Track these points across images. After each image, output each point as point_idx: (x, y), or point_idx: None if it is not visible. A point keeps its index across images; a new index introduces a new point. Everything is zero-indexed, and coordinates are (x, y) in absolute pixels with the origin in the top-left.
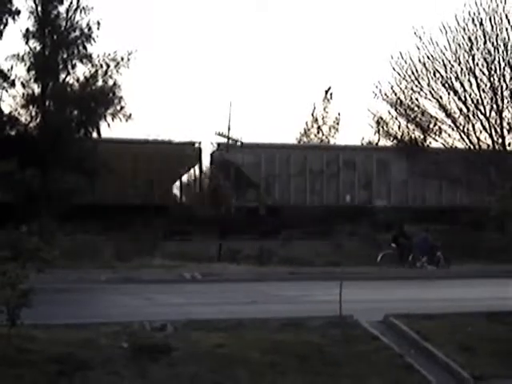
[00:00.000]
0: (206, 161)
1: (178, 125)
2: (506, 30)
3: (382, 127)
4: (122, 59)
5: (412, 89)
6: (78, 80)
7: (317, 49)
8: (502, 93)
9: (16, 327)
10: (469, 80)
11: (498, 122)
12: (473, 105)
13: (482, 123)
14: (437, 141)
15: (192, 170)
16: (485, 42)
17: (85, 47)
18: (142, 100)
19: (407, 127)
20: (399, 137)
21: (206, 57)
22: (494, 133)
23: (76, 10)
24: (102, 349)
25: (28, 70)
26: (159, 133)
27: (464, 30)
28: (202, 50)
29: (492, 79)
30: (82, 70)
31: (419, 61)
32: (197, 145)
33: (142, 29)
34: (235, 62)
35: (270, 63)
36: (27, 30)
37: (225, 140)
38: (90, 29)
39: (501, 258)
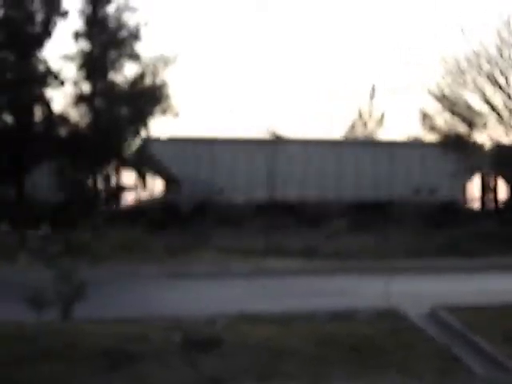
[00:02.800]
0: None
1: (225, 122)
2: None
3: (428, 122)
4: (170, 59)
5: (457, 83)
6: (126, 79)
7: (360, 46)
8: None
9: (69, 321)
10: None
11: None
12: None
13: None
14: (482, 135)
15: None
16: None
17: (133, 47)
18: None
19: (452, 122)
20: (445, 131)
21: (237, 53)
22: None
23: (124, 10)
24: (154, 343)
25: (78, 70)
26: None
27: (508, 25)
28: (224, 42)
29: None
30: (130, 69)
31: (464, 56)
32: None
33: (185, 30)
34: (272, 58)
35: (315, 58)
36: (76, 30)
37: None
38: (137, 29)
39: None
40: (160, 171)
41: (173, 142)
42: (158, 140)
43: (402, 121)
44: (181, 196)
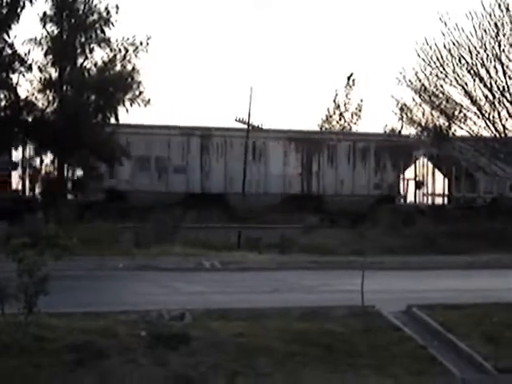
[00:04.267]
0: None
1: (198, 110)
2: None
3: (406, 114)
4: (141, 43)
5: (437, 75)
6: (95, 64)
7: (340, 34)
8: None
9: (33, 315)
10: (495, 66)
11: None
12: (499, 92)
13: (507, 110)
14: (462, 128)
15: None
16: (511, 28)
17: (103, 31)
18: (160, 85)
19: (431, 114)
20: (423, 124)
21: (226, 43)
22: None
23: None
24: (120, 337)
25: (45, 55)
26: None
27: (490, 15)
28: (220, 36)
29: None
30: (100, 55)
31: (444, 47)
32: None
33: (161, 13)
34: (256, 48)
35: (292, 49)
36: (44, 13)
37: (245, 126)
38: (108, 12)
39: None
40: None
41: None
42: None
43: (380, 112)
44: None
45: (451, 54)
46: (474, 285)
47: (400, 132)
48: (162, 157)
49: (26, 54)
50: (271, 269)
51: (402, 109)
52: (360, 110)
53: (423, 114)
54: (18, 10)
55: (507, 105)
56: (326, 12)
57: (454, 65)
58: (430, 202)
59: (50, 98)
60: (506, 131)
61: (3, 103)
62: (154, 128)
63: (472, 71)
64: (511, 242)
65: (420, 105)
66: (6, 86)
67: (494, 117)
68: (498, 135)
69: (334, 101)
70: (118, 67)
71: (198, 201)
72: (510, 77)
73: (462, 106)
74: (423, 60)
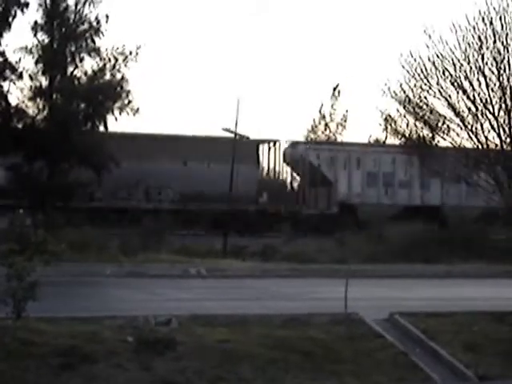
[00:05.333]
0: None
1: (185, 120)
2: None
3: (390, 125)
4: (131, 53)
5: (421, 87)
6: (85, 73)
7: (325, 46)
8: (511, 92)
9: (21, 320)
10: (478, 79)
11: (507, 121)
12: (481, 104)
13: (490, 122)
14: (445, 139)
15: None
16: (494, 41)
17: (93, 40)
18: (150, 95)
19: (415, 125)
20: (407, 135)
21: (214, 53)
22: (502, 132)
23: (85, 3)
24: (107, 342)
25: (36, 63)
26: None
27: (474, 28)
28: (209, 46)
29: (501, 78)
30: (90, 64)
31: (428, 59)
32: None
33: (150, 23)
34: (243, 58)
35: (278, 60)
36: (35, 22)
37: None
38: (98, 22)
39: (506, 258)
40: None
41: None
42: None
43: (365, 123)
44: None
45: (435, 67)
46: (454, 294)
47: (384, 142)
48: (388, 173)
49: (16, 62)
50: (255, 276)
51: (386, 119)
52: (345, 121)
53: (407, 125)
54: (10, 18)
55: (489, 117)
56: (311, 24)
57: (437, 77)
58: None
59: (41, 105)
60: (488, 142)
61: None
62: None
63: (455, 83)
64: (490, 252)
65: (404, 116)
66: None
67: (476, 128)
68: (480, 146)
69: (320, 111)
70: (108, 76)
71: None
72: (492, 89)
73: (445, 117)
74: (408, 72)
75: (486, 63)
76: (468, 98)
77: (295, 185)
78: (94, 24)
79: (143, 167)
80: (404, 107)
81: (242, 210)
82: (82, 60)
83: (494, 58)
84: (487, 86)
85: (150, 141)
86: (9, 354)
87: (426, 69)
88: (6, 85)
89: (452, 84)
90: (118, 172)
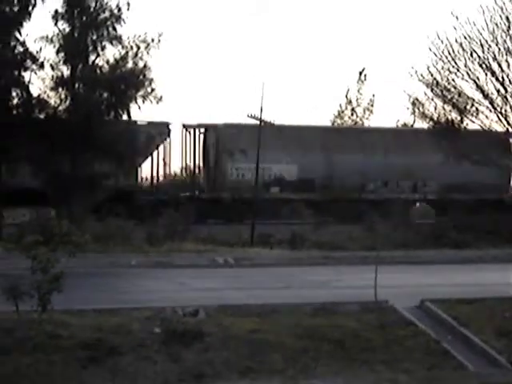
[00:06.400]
0: None
1: (209, 107)
2: None
3: (418, 108)
4: (153, 40)
5: (449, 69)
6: (107, 62)
7: (352, 30)
8: None
9: (47, 312)
10: (506, 60)
11: None
12: (510, 85)
13: None
14: (474, 122)
15: None
16: None
17: (114, 28)
18: (173, 82)
19: (443, 108)
20: (435, 118)
21: (239, 39)
22: None
23: None
24: (134, 334)
25: (57, 52)
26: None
27: (502, 9)
28: (234, 32)
29: None
30: (111, 52)
31: (456, 41)
32: None
33: (173, 9)
34: (268, 43)
35: (304, 46)
36: (56, 11)
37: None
38: (119, 10)
39: None
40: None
41: None
42: None
43: (392, 107)
44: None
45: (463, 48)
46: (485, 279)
47: (412, 126)
48: None
49: (37, 52)
50: (283, 264)
51: (413, 103)
52: (372, 105)
53: (435, 109)
54: (30, 8)
55: None
56: (339, 8)
57: (465, 59)
58: None
59: (62, 95)
60: None
61: (15, 101)
62: None
63: (484, 65)
64: None
65: (432, 99)
66: (18, 84)
67: (506, 110)
68: (510, 129)
69: (346, 96)
70: (130, 64)
71: None
72: None
73: (473, 99)
74: (435, 54)
75: None
76: (497, 79)
77: None
78: (115, 12)
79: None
80: (432, 90)
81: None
82: (103, 48)
83: None
84: None
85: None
86: (35, 347)
87: (453, 51)
88: (27, 75)
89: (480, 66)
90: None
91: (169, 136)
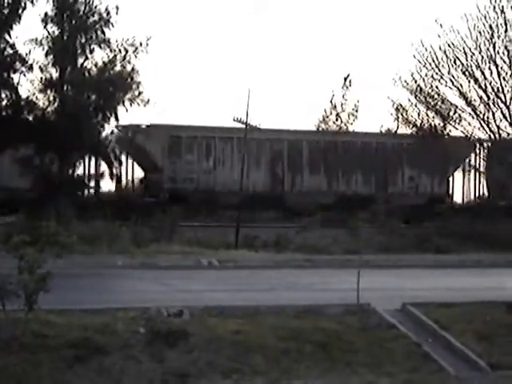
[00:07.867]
0: None
1: (196, 110)
2: None
3: (402, 114)
4: (141, 44)
5: (432, 76)
6: (96, 65)
7: (336, 35)
8: None
9: (33, 312)
10: (489, 68)
11: None
12: (493, 93)
13: (502, 111)
14: (457, 129)
15: None
16: (506, 30)
17: (103, 32)
18: (160, 85)
19: (427, 115)
20: (419, 124)
21: (223, 44)
22: None
23: None
24: (119, 334)
25: (46, 55)
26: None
27: (485, 17)
28: (220, 37)
29: None
30: (100, 55)
31: (440, 48)
32: None
33: (160, 14)
34: (254, 48)
35: (289, 50)
36: (46, 14)
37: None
38: (108, 13)
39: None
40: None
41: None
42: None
43: (376, 113)
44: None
45: (446, 56)
46: (466, 283)
47: (395, 132)
48: None
49: (27, 54)
50: (268, 267)
51: (397, 109)
52: (357, 111)
53: (418, 115)
54: (20, 10)
55: (501, 106)
56: (323, 14)
57: (449, 66)
58: None
59: (51, 97)
60: (500, 132)
61: (4, 103)
62: None
63: (467, 72)
64: (502, 243)
65: (415, 105)
66: (7, 85)
67: (488, 117)
68: (492, 136)
69: (331, 101)
70: (118, 67)
71: None
72: (504, 78)
73: (456, 106)
74: (419, 61)
75: (498, 52)
76: (480, 86)
77: None
78: (104, 15)
79: None
80: (415, 97)
81: None
82: (92, 51)
83: (506, 47)
84: (499, 74)
85: None
86: (21, 346)
87: (437, 58)
88: (16, 77)
89: (463, 73)
90: None
91: None
